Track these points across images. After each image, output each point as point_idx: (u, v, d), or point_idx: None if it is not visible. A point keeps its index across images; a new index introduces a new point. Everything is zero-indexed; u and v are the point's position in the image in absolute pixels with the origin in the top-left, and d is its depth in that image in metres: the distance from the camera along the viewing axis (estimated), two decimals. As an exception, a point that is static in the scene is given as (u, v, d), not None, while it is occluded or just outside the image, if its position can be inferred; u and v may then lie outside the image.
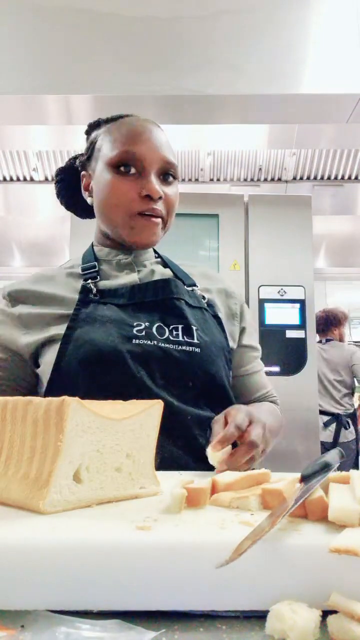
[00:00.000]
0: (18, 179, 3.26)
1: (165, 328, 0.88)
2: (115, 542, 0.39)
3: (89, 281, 0.92)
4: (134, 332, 0.85)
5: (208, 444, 0.72)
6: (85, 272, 0.95)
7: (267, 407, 1.00)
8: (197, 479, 0.54)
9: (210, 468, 0.72)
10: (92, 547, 0.39)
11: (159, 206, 0.90)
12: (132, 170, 0.89)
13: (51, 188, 3.63)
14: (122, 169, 0.89)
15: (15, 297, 0.93)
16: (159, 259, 1.04)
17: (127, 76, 1.92)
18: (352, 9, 1.98)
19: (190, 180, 3.29)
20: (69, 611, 0.38)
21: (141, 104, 1.96)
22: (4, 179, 3.26)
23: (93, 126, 1.01)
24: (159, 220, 0.92)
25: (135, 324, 0.87)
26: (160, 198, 0.89)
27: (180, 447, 0.82)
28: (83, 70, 1.93)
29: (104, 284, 0.93)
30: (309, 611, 0.35)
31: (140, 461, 0.57)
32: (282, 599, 0.37)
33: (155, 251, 1.05)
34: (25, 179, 3.27)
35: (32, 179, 3.26)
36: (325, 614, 0.35)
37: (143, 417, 0.57)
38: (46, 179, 3.26)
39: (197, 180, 3.29)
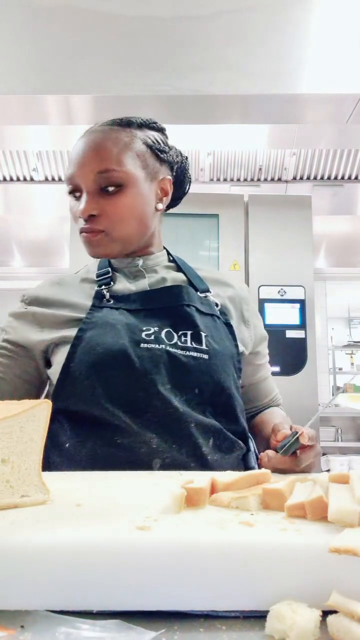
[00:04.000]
0: (18, 179, 3.26)
1: (174, 333, 0.89)
2: (115, 542, 0.39)
3: (103, 287, 0.95)
4: (143, 336, 0.87)
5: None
6: (100, 278, 0.98)
7: (284, 418, 1.02)
8: (197, 479, 0.54)
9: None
10: (92, 547, 0.39)
11: (96, 223, 0.91)
12: (77, 193, 0.93)
13: (51, 188, 3.63)
14: (71, 194, 0.94)
15: (31, 301, 0.97)
16: (172, 263, 1.04)
17: (127, 76, 1.92)
18: (352, 9, 1.97)
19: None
20: (69, 611, 0.38)
21: (141, 104, 1.96)
22: (4, 179, 3.26)
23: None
24: (99, 234, 0.92)
25: (144, 328, 0.88)
26: (92, 216, 0.91)
27: (184, 453, 0.83)
28: (83, 70, 1.93)
29: (116, 289, 0.96)
30: (309, 611, 0.35)
31: (22, 467, 0.53)
32: (282, 599, 0.37)
33: (169, 254, 1.06)
34: (25, 179, 3.26)
35: (32, 179, 3.26)
36: (325, 614, 0.35)
37: (23, 418, 0.53)
38: (46, 179, 3.26)
39: (197, 180, 3.29)
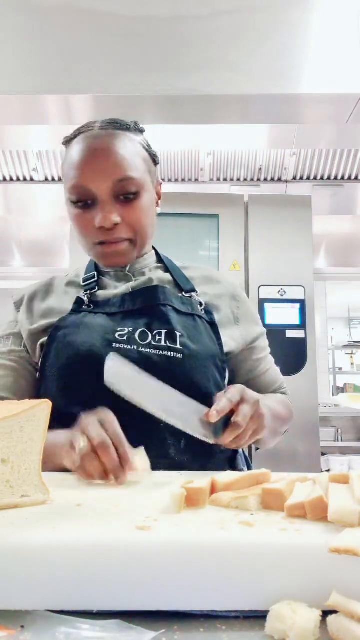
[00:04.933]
0: (18, 179, 3.26)
1: (149, 333, 0.88)
2: (115, 542, 0.39)
3: (87, 292, 0.95)
4: (116, 336, 0.87)
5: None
6: (85, 282, 0.98)
7: (275, 396, 1.02)
8: (196, 479, 0.54)
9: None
10: (92, 547, 0.39)
11: (120, 232, 0.89)
12: (88, 202, 0.89)
13: (51, 188, 3.62)
14: (78, 203, 0.89)
15: (20, 304, 0.99)
16: (160, 264, 1.03)
17: (127, 76, 1.92)
18: (352, 9, 1.97)
19: (190, 180, 3.28)
20: (69, 611, 0.38)
21: (141, 104, 1.96)
22: (4, 179, 3.26)
23: (64, 143, 0.98)
24: (124, 243, 0.91)
25: (119, 329, 0.88)
26: (116, 224, 0.88)
27: (151, 454, 0.80)
28: (83, 70, 1.93)
29: (100, 294, 0.95)
30: (309, 611, 0.35)
31: (22, 467, 0.53)
32: (282, 599, 0.37)
33: (158, 254, 1.05)
34: (25, 179, 3.26)
35: (32, 179, 3.26)
36: (325, 614, 0.35)
37: (23, 418, 0.53)
38: (46, 179, 3.26)
39: (197, 180, 3.29)
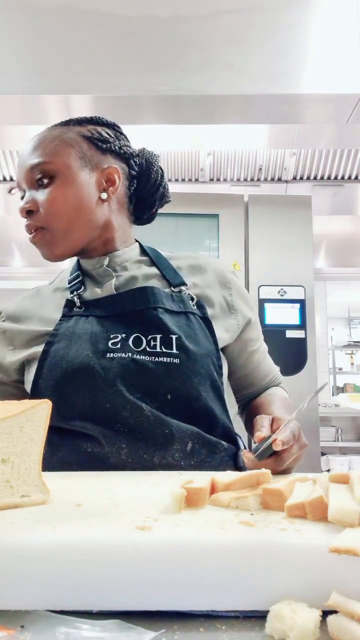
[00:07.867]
0: (18, 179, 3.26)
1: (143, 339, 0.85)
2: (115, 542, 0.39)
3: (74, 293, 0.93)
4: (109, 344, 0.84)
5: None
6: (70, 284, 0.96)
7: (288, 407, 0.96)
8: (196, 479, 0.54)
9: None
10: (92, 547, 0.39)
11: (34, 219, 0.91)
12: (22, 196, 0.94)
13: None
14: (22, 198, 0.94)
15: (7, 315, 0.97)
16: (144, 257, 0.99)
17: (127, 76, 1.92)
18: (352, 9, 1.97)
19: (190, 180, 3.29)
20: (69, 611, 0.38)
21: (141, 104, 1.96)
22: (4, 179, 3.26)
23: None
24: (39, 232, 0.91)
25: (112, 336, 0.85)
26: (30, 212, 0.90)
27: (155, 461, 0.80)
28: (83, 70, 1.93)
29: (87, 294, 0.93)
30: (309, 611, 0.35)
31: (22, 467, 0.53)
32: (282, 599, 0.37)
33: (142, 246, 1.01)
34: (25, 179, 3.27)
35: (32, 179, 3.26)
36: (325, 614, 0.35)
37: (23, 418, 0.53)
38: (46, 179, 3.26)
39: (197, 180, 3.29)
